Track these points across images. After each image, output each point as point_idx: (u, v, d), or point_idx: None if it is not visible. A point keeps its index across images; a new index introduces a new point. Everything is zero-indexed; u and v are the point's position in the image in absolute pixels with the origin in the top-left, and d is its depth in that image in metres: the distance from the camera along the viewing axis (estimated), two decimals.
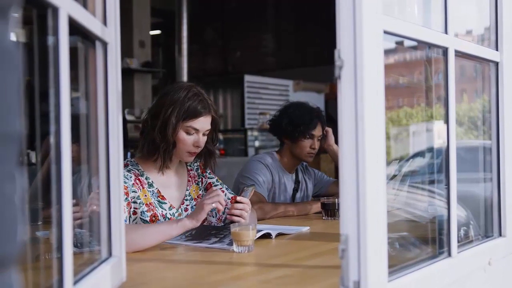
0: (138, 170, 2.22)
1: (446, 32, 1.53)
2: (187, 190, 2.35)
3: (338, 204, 2.65)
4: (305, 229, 2.36)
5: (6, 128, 0.59)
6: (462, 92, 2.05)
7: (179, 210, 2.29)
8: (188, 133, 2.20)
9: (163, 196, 2.25)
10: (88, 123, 1.38)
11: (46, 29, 1.03)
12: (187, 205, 2.33)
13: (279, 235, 2.18)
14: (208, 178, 2.44)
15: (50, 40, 1.03)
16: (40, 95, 1.06)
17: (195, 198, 2.36)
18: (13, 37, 0.62)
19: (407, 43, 1.55)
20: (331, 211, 2.66)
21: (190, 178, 2.39)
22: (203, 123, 2.22)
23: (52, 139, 1.03)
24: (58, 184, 1.02)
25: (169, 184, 2.30)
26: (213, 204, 1.98)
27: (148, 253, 1.91)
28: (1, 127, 0.58)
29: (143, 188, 2.20)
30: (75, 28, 1.13)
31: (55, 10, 1.01)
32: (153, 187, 2.23)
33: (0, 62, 0.58)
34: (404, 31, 1.37)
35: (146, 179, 2.23)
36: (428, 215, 1.95)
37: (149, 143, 2.21)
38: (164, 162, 2.24)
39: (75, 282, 1.11)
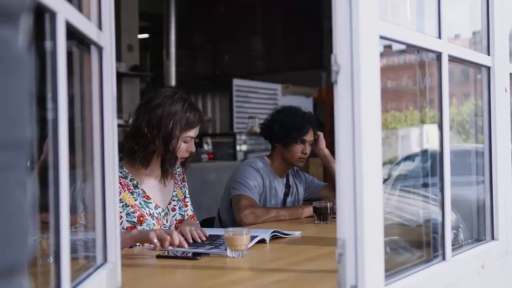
0: (121, 173, 2.25)
1: (439, 37, 1.54)
2: (174, 191, 2.43)
3: (330, 208, 2.67)
4: (297, 233, 2.36)
5: (16, 135, 0.58)
6: (450, 96, 2.06)
7: (166, 209, 2.36)
8: (185, 142, 2.30)
9: (148, 196, 2.30)
10: (82, 128, 1.37)
11: (43, 34, 1.02)
12: (174, 205, 2.41)
13: (274, 238, 2.19)
14: (186, 188, 2.54)
15: (47, 44, 1.03)
16: (37, 100, 1.06)
17: (181, 200, 2.46)
18: (23, 42, 0.62)
19: (395, 46, 1.56)
20: (323, 215, 2.66)
21: (176, 180, 2.47)
22: (197, 130, 2.35)
23: (50, 144, 1.02)
24: (55, 190, 1.01)
25: (155, 186, 2.35)
26: (155, 240, 1.89)
27: (143, 259, 1.90)
28: (12, 134, 0.58)
29: (125, 191, 2.24)
30: (71, 33, 1.12)
31: (53, 14, 1.00)
32: (139, 188, 2.29)
33: (11, 69, 0.58)
34: (399, 36, 1.37)
35: (130, 181, 2.29)
36: (420, 219, 1.96)
37: (149, 154, 2.26)
38: (167, 173, 2.33)
39: None
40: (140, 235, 2.01)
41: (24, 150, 0.61)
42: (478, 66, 1.85)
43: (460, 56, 1.67)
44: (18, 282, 0.59)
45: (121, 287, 1.44)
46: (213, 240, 2.14)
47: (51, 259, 1.09)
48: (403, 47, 1.58)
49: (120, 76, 7.44)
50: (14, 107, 0.58)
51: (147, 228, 2.23)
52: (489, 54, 1.84)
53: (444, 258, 1.53)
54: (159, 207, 2.33)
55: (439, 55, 1.54)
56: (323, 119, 7.34)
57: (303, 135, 3.00)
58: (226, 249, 1.89)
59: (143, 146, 2.25)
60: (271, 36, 9.79)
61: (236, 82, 8.21)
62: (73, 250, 1.40)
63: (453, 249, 1.58)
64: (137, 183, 2.29)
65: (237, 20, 9.74)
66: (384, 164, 2.23)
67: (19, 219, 0.59)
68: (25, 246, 0.60)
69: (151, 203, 2.30)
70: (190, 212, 2.49)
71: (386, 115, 1.97)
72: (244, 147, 7.56)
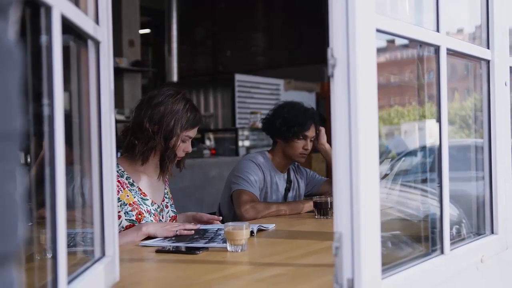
0: (117, 172, 2.26)
1: (438, 30, 1.53)
2: (165, 189, 2.48)
3: (331, 203, 2.67)
4: (272, 226, 2.39)
5: (7, 126, 0.59)
6: (453, 91, 2.05)
7: (161, 206, 2.41)
8: (183, 141, 2.33)
9: (144, 193, 2.34)
10: (80, 123, 1.37)
11: (39, 28, 1.02)
12: (166, 203, 2.46)
13: (259, 231, 2.23)
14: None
15: (43, 39, 1.03)
16: (33, 95, 1.06)
17: (170, 198, 2.51)
18: (12, 35, 0.62)
19: (398, 41, 1.56)
20: (323, 210, 2.66)
21: (166, 180, 2.51)
22: (196, 131, 2.39)
23: (45, 140, 1.02)
24: (52, 185, 1.01)
25: (149, 183, 2.39)
26: (177, 232, 2.14)
27: (141, 253, 1.91)
28: (2, 125, 0.58)
29: (124, 189, 2.27)
30: (67, 27, 1.12)
31: (48, 9, 1.00)
32: (134, 186, 2.32)
33: (1, 61, 0.58)
34: (397, 29, 1.37)
35: (126, 179, 2.31)
36: (421, 213, 1.96)
37: (149, 150, 2.29)
38: (166, 170, 2.35)
39: (69, 282, 1.10)
40: (137, 239, 2.09)
41: (15, 142, 0.61)
42: (477, 59, 1.85)
43: (458, 49, 1.67)
44: (7, 273, 0.59)
45: (120, 281, 1.44)
46: (202, 234, 2.14)
47: (51, 254, 1.10)
48: (406, 41, 1.57)
49: (121, 72, 7.44)
50: (3, 99, 0.59)
51: None
52: (488, 48, 1.84)
53: (442, 252, 1.53)
54: (155, 203, 2.37)
55: (437, 49, 1.53)
56: (325, 114, 7.34)
57: (304, 130, 3.00)
58: (223, 242, 1.90)
59: (144, 141, 2.27)
60: (273, 31, 9.78)
61: (238, 77, 8.21)
62: (73, 244, 1.41)
63: (452, 243, 1.58)
64: (132, 181, 2.32)
65: (238, 16, 9.74)
66: (386, 159, 2.23)
67: (10, 210, 0.59)
68: (15, 237, 0.60)
69: (147, 199, 2.33)
70: (171, 214, 2.50)
71: (389, 109, 1.96)
72: (246, 143, 7.57)
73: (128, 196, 2.26)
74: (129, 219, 2.23)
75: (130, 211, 2.24)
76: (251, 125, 7.72)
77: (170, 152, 2.30)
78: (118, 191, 2.22)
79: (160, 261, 1.82)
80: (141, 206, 2.28)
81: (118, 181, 2.25)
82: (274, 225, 2.42)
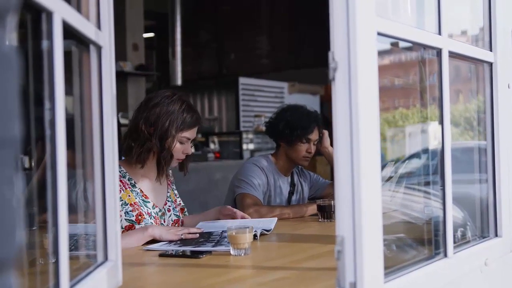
0: (120, 172, 2.27)
1: (439, 33, 1.53)
2: (168, 192, 2.48)
3: (334, 206, 2.66)
4: (274, 220, 2.43)
5: (5, 132, 0.59)
6: (457, 93, 2.05)
7: (163, 209, 2.40)
8: (181, 142, 2.33)
9: (146, 195, 2.34)
10: (82, 127, 1.38)
11: (40, 33, 1.03)
12: (169, 206, 2.45)
13: (262, 234, 2.23)
14: (175, 189, 2.57)
15: (44, 44, 1.03)
16: (34, 100, 1.06)
17: (174, 201, 2.50)
18: (11, 41, 0.62)
19: (402, 44, 1.56)
20: (327, 213, 2.66)
21: (169, 183, 2.51)
22: (195, 132, 2.38)
23: (47, 144, 1.02)
24: (53, 189, 1.01)
25: (151, 186, 2.39)
26: (182, 236, 2.13)
27: (144, 257, 1.91)
28: (0, 131, 0.59)
29: (126, 189, 2.28)
30: (69, 32, 1.13)
31: (49, 14, 1.00)
32: (136, 187, 2.32)
33: None
34: (398, 32, 1.37)
35: (128, 180, 2.32)
36: (424, 216, 1.95)
37: (145, 151, 2.29)
38: (163, 172, 2.35)
39: (71, 286, 1.11)
40: (141, 242, 2.09)
41: (12, 148, 0.61)
42: (480, 62, 1.84)
43: (461, 52, 1.66)
44: (5, 279, 0.59)
45: (122, 286, 1.44)
46: (207, 238, 2.13)
47: (54, 258, 1.10)
48: (410, 44, 1.57)
49: (125, 76, 7.44)
50: (1, 105, 0.59)
51: None
52: (491, 50, 1.83)
53: (445, 255, 1.53)
54: (156, 206, 2.37)
55: (439, 51, 1.53)
56: (330, 117, 7.32)
57: (308, 134, 3.00)
58: (228, 245, 1.90)
59: (140, 143, 2.28)
60: (277, 34, 9.77)
61: (242, 80, 8.21)
62: (75, 247, 1.41)
63: (456, 246, 1.58)
64: (134, 182, 2.32)
65: (242, 18, 9.73)
66: (390, 161, 2.22)
67: (7, 216, 0.59)
68: (13, 243, 0.60)
69: (149, 202, 2.34)
70: (174, 217, 2.49)
71: (394, 112, 1.96)
72: (250, 146, 7.56)
73: (129, 196, 2.27)
74: (128, 219, 2.23)
75: (130, 211, 2.24)
76: (255, 128, 7.71)
77: (165, 153, 2.29)
78: (120, 190, 2.22)
79: (163, 265, 1.81)
80: (141, 207, 2.28)
81: (120, 181, 2.26)
82: (275, 218, 2.44)
